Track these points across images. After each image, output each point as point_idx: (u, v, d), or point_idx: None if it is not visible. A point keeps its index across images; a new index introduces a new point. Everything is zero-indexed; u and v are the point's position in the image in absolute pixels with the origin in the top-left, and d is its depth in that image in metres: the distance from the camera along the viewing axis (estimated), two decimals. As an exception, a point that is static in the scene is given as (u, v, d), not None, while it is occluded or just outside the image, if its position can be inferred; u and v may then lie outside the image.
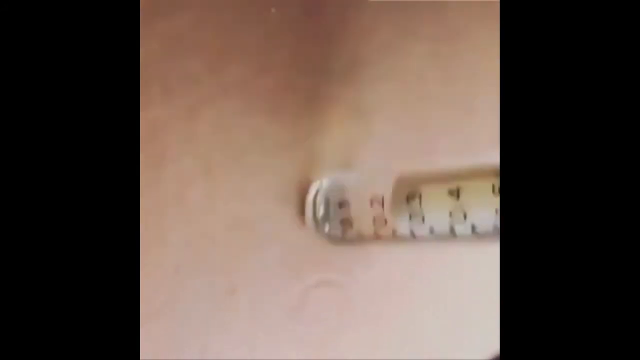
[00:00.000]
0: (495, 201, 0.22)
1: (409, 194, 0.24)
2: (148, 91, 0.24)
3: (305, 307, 0.28)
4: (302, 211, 0.27)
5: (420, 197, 0.24)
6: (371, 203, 0.25)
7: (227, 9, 0.25)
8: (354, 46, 0.28)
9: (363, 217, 0.26)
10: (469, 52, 0.30)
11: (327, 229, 0.27)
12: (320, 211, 0.27)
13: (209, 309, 0.26)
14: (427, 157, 0.30)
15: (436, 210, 0.24)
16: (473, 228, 0.23)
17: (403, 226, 0.25)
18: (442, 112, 0.31)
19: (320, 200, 0.27)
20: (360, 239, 0.26)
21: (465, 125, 0.31)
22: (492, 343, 0.27)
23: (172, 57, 0.24)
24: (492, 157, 0.23)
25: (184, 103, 0.25)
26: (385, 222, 0.25)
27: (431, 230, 0.24)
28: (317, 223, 0.27)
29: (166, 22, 0.24)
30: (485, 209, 0.23)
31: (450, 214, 0.23)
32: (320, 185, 0.27)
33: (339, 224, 0.26)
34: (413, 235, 0.25)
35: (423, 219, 0.24)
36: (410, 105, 0.30)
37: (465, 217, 0.23)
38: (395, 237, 0.25)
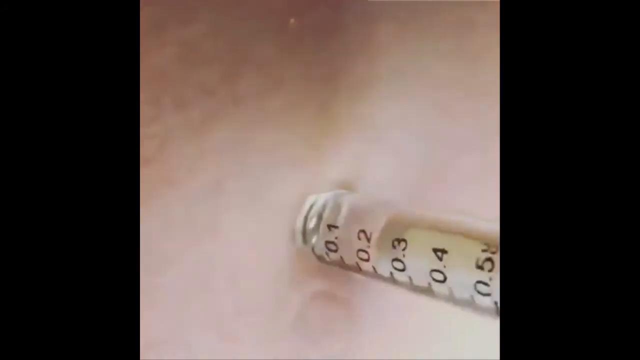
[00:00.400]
0: (477, 274, 0.21)
1: (395, 238, 0.23)
2: (160, 101, 0.23)
3: (308, 319, 0.27)
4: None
5: (405, 245, 0.23)
6: (359, 235, 0.24)
7: (244, 19, 0.24)
8: (370, 62, 0.27)
9: (348, 246, 0.25)
10: (489, 71, 0.28)
11: (313, 243, 0.26)
12: (311, 225, 0.26)
13: (215, 334, 0.25)
14: (437, 181, 0.29)
15: (417, 263, 0.23)
16: (450, 291, 0.22)
17: (384, 268, 0.24)
18: (457, 131, 0.29)
19: (312, 214, 0.26)
20: (342, 265, 0.25)
21: (480, 144, 0.29)
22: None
23: (186, 67, 0.23)
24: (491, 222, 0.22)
25: (196, 114, 0.23)
26: (368, 258, 0.24)
27: (410, 280, 0.23)
28: (305, 237, 0.26)
29: (180, 30, 0.23)
30: (465, 278, 0.22)
31: (430, 273, 0.22)
32: (316, 200, 0.26)
33: (324, 245, 0.26)
34: (393, 278, 0.24)
35: (404, 267, 0.23)
36: (424, 124, 0.28)
37: (445, 279, 0.22)
38: (375, 274, 0.24)
